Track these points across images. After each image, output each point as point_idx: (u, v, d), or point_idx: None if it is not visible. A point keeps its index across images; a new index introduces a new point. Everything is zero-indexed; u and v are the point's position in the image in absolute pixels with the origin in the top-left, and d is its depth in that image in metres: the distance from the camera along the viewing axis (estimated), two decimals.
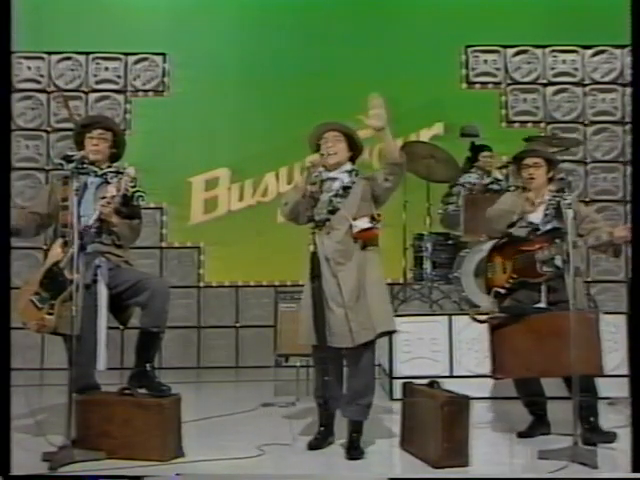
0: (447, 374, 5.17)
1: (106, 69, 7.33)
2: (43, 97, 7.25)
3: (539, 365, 3.89)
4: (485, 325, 4.12)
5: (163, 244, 7.23)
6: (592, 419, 3.96)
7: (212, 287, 7.20)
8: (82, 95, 7.27)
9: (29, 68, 7.24)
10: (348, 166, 3.96)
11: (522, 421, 4.25)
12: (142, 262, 6.63)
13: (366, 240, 3.82)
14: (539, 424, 4.19)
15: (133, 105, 7.31)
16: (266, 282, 7.15)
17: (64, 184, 3.88)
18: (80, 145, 4.01)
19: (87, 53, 7.28)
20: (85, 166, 3.87)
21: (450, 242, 6.04)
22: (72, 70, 7.30)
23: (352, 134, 3.98)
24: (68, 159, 3.78)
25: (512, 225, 4.21)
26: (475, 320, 4.20)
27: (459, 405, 3.60)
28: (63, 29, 7.19)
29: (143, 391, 3.79)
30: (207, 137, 7.20)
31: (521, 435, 4.16)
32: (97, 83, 7.31)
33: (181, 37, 7.27)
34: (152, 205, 6.96)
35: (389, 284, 4.41)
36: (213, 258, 7.20)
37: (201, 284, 7.21)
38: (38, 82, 7.25)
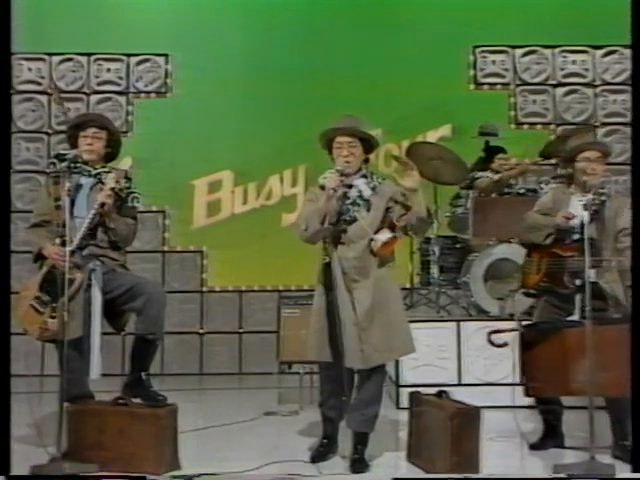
0: (455, 382, 5.03)
1: (108, 70, 7.23)
2: (44, 99, 7.14)
3: (574, 384, 3.56)
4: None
5: (165, 248, 7.10)
6: (628, 443, 3.65)
7: (215, 292, 7.07)
8: (83, 97, 7.17)
9: (30, 69, 7.14)
10: (363, 170, 3.77)
11: (533, 431, 4.10)
12: (144, 266, 6.58)
13: (387, 254, 3.64)
14: (552, 435, 4.02)
15: (135, 107, 7.20)
16: (270, 287, 7.01)
17: (55, 183, 3.77)
18: (74, 144, 3.90)
19: (88, 54, 7.18)
20: (78, 165, 3.77)
21: (458, 246, 5.91)
22: (73, 71, 7.19)
23: (368, 138, 3.75)
24: (61, 157, 3.67)
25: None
26: (492, 344, 3.99)
27: (469, 417, 3.45)
28: (64, 30, 7.09)
29: (138, 400, 3.67)
30: (210, 139, 7.09)
31: (533, 447, 3.99)
32: (99, 85, 7.21)
33: (183, 38, 7.17)
34: (154, 208, 6.89)
35: None
36: (216, 262, 7.06)
37: (204, 289, 7.08)
38: (39, 84, 7.15)
